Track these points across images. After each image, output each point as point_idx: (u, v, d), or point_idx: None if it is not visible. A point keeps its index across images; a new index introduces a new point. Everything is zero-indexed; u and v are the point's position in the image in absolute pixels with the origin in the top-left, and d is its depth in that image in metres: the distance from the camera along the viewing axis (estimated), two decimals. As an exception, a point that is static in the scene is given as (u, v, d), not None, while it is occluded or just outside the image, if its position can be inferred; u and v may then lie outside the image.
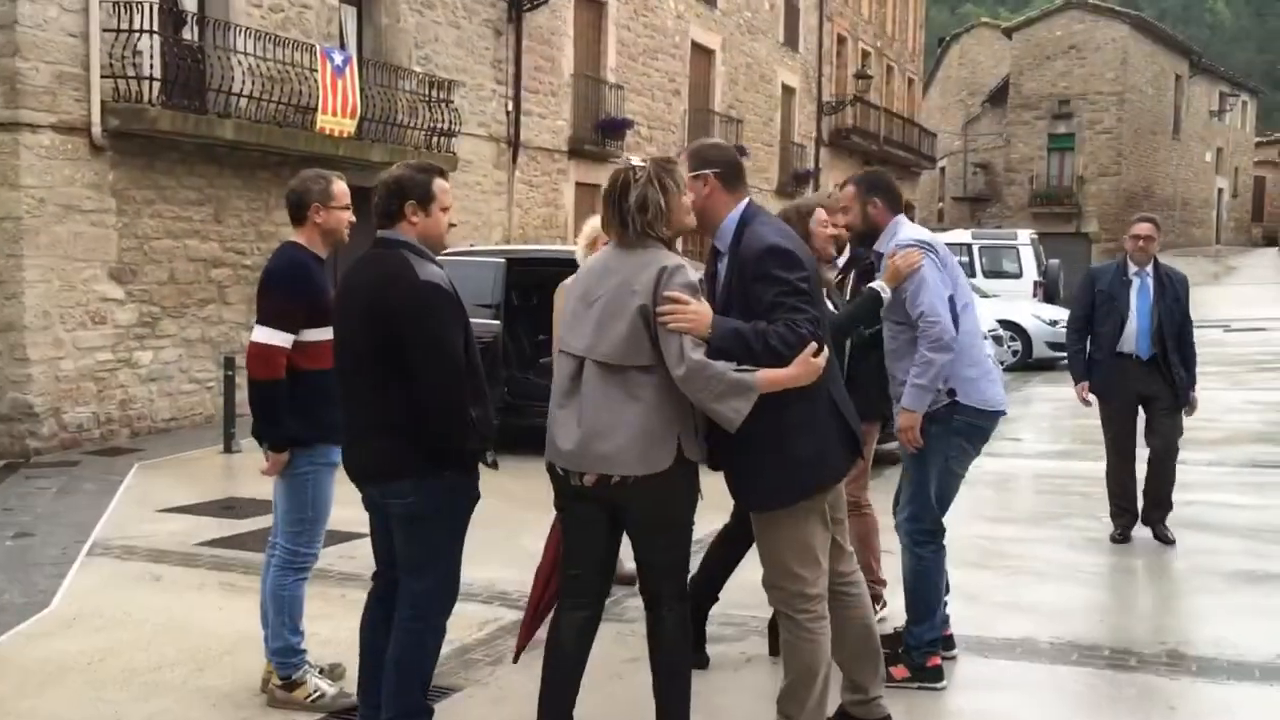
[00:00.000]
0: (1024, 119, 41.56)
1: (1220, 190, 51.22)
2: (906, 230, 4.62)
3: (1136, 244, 6.94)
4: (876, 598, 5.31)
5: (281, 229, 13.70)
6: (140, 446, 11.00)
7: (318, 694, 4.35)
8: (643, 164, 3.56)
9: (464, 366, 3.59)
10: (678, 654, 3.67)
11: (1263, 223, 55.51)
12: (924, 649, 4.56)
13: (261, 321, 4.16)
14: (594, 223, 5.56)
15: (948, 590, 4.84)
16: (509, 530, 6.77)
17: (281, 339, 4.13)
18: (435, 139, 15.03)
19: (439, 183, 3.78)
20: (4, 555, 6.68)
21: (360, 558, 6.55)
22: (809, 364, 3.44)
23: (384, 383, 3.62)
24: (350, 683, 4.22)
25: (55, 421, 10.82)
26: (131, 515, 7.85)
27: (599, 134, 19.50)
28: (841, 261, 5.34)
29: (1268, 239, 52.17)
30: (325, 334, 4.09)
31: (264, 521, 7.07)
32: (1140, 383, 6.91)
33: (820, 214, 4.85)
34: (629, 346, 3.40)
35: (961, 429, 4.51)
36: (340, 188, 4.33)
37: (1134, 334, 6.88)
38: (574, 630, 3.66)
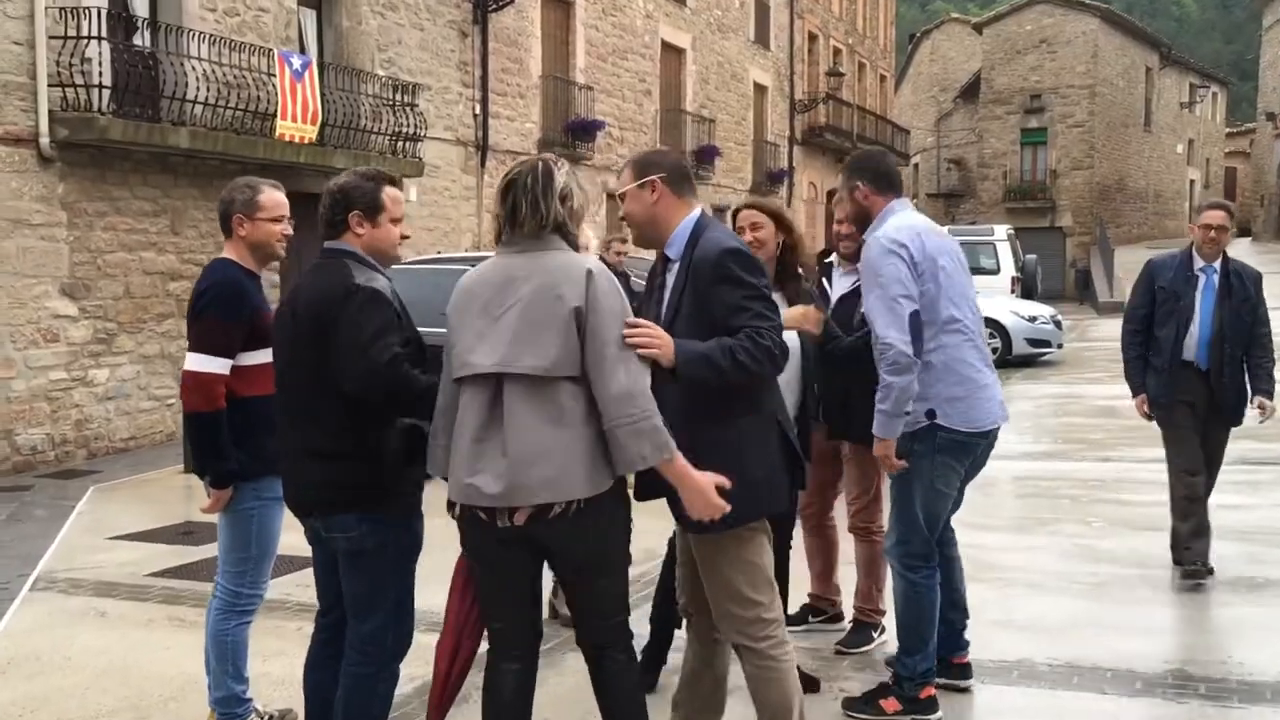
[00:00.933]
0: (996, 114, 41.50)
1: (1192, 181, 51.34)
2: (892, 223, 4.15)
3: (1207, 235, 5.94)
4: (874, 625, 5.06)
5: (243, 239, 13.32)
6: (97, 468, 10.62)
7: (265, 745, 4.03)
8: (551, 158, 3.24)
9: (400, 378, 3.26)
10: (630, 705, 3.27)
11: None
12: (918, 680, 4.26)
13: (195, 348, 3.81)
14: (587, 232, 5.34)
15: (967, 614, 4.53)
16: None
17: (218, 365, 3.79)
18: (400, 144, 14.68)
19: (389, 191, 3.49)
20: (-59, 592, 6.30)
21: (319, 586, 6.24)
22: (713, 502, 3.10)
23: (328, 404, 3.30)
24: (301, 731, 3.90)
25: (7, 444, 10.42)
26: (82, 544, 7.48)
27: (569, 136, 19.17)
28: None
29: (1240, 229, 52.30)
30: (264, 356, 3.77)
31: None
32: (1193, 395, 5.99)
33: (741, 216, 4.50)
34: (563, 355, 3.01)
35: (946, 446, 4.17)
36: (270, 197, 3.94)
37: (1196, 341, 5.95)
38: (510, 684, 3.26)
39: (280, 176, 14.19)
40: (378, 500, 3.31)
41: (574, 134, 19.21)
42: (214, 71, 11.83)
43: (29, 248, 10.59)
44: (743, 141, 26.90)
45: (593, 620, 3.25)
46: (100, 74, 10.76)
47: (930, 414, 4.09)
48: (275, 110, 12.38)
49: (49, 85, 10.52)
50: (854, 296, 4.84)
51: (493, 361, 3.04)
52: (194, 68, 11.61)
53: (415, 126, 14.86)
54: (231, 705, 4.00)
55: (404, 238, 3.61)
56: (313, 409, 3.34)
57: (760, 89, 28.10)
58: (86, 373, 11.26)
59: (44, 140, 10.58)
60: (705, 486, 3.10)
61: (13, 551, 7.27)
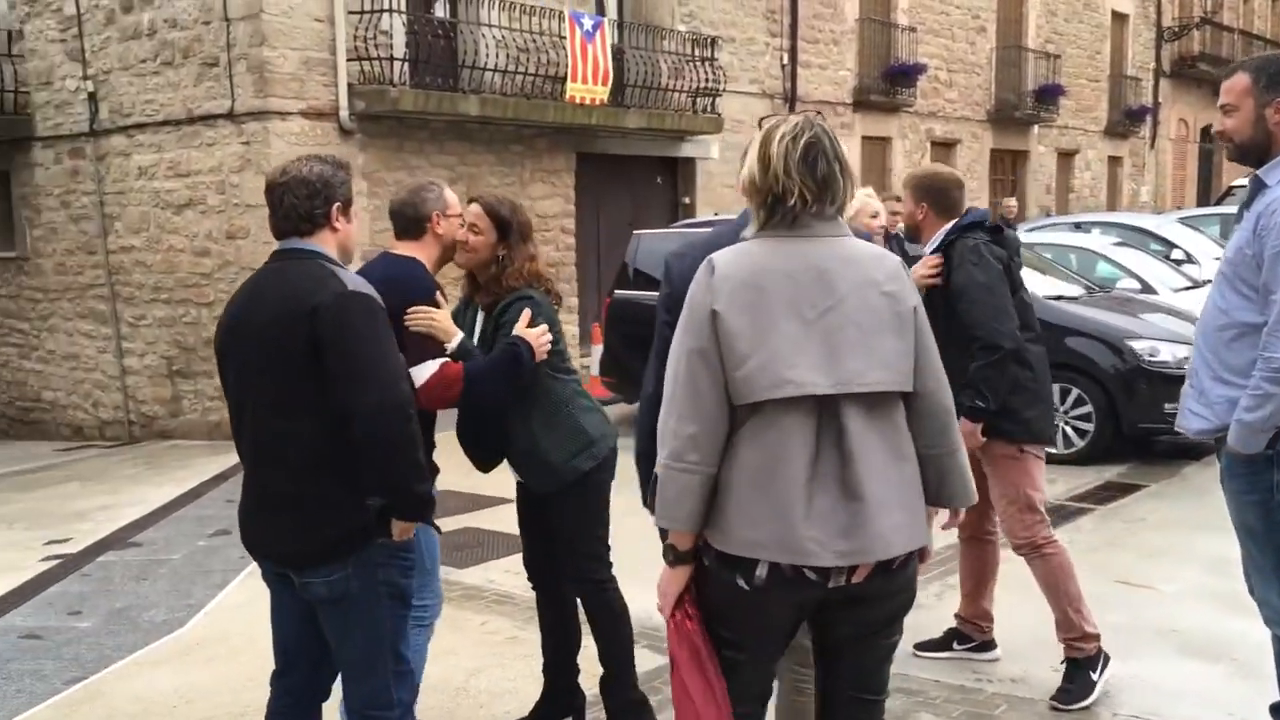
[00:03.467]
0: None
1: None
2: None
3: None
4: (1094, 662, 4.02)
5: (539, 202, 13.46)
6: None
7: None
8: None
9: (409, 397, 2.87)
10: None
11: None
12: None
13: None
14: (860, 195, 5.25)
15: None
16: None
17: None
18: (698, 100, 14.30)
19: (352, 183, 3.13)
20: (185, 560, 6.59)
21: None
22: None
23: (298, 439, 2.85)
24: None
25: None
26: (337, 511, 7.67)
27: (888, 82, 18.06)
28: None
29: None
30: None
31: (459, 522, 6.63)
32: None
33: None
34: (908, 365, 2.49)
35: None
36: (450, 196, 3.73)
37: None
38: None
39: (573, 139, 14.31)
40: (362, 542, 2.90)
41: (893, 80, 18.07)
42: (508, 37, 11.91)
43: (332, 217, 11.10)
44: (1096, 78, 24.48)
45: (853, 694, 2.64)
46: (390, 47, 11.07)
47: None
48: (566, 73, 12.33)
49: (347, 59, 10.94)
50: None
51: (832, 381, 2.41)
52: (485, 34, 11.73)
53: (715, 81, 14.42)
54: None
55: None
56: (280, 445, 2.88)
57: (1119, 17, 25.41)
58: (387, 336, 11.72)
59: (343, 113, 11.03)
60: None
61: (272, 516, 7.55)
